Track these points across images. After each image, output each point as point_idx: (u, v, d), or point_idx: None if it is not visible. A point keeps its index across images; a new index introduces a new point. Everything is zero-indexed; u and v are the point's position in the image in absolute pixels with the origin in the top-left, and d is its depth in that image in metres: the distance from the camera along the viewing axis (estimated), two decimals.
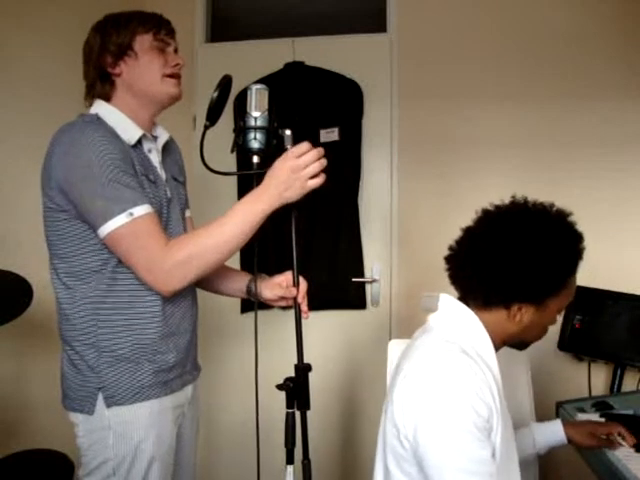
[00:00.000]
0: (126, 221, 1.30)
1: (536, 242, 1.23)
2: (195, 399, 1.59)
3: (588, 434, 1.55)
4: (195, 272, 1.35)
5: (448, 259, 1.34)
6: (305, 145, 1.35)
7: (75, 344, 1.40)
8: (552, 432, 1.56)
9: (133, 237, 1.31)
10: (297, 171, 1.33)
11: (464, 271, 1.30)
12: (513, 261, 1.22)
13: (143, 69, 1.44)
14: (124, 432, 1.38)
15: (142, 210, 1.32)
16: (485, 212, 1.32)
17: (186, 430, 1.56)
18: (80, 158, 1.30)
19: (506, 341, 1.33)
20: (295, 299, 1.46)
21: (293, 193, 1.34)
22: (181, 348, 1.48)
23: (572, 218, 1.29)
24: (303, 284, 1.48)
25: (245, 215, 1.34)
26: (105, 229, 1.31)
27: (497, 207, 1.31)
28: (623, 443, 1.52)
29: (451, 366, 1.18)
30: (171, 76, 1.47)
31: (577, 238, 1.28)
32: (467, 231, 1.32)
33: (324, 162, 1.35)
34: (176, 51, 1.50)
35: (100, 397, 1.38)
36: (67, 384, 1.43)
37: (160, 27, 1.47)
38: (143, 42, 1.44)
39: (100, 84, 1.44)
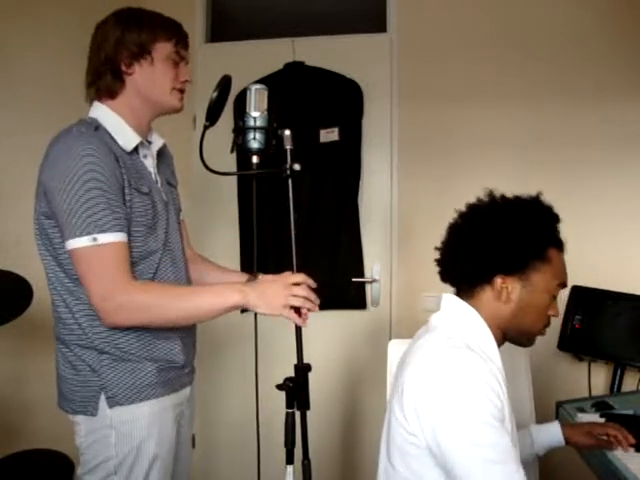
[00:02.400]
0: (87, 244, 1.29)
1: (502, 213, 1.30)
2: (192, 398, 1.59)
3: (586, 433, 1.55)
4: (142, 321, 1.36)
5: (437, 260, 1.38)
6: (301, 276, 1.42)
7: (73, 346, 1.40)
8: (550, 433, 1.56)
9: (93, 260, 1.31)
10: (285, 289, 1.38)
11: (445, 260, 1.36)
12: (482, 233, 1.29)
13: (156, 78, 1.44)
14: (127, 431, 1.38)
15: (108, 238, 1.30)
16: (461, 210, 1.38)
17: (184, 429, 1.56)
18: (66, 169, 1.30)
19: (505, 331, 1.33)
20: None
21: (267, 308, 1.37)
22: (180, 348, 1.48)
23: (543, 198, 1.33)
24: None
25: (214, 299, 1.37)
26: (68, 245, 1.32)
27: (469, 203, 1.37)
28: (623, 445, 1.52)
29: (460, 362, 1.19)
30: (179, 90, 1.47)
31: (544, 208, 1.32)
32: (448, 229, 1.38)
33: (312, 305, 1.41)
34: (186, 63, 1.50)
35: (102, 397, 1.37)
36: (66, 387, 1.42)
37: (180, 39, 1.47)
38: (162, 50, 1.43)
39: (111, 78, 1.42)
